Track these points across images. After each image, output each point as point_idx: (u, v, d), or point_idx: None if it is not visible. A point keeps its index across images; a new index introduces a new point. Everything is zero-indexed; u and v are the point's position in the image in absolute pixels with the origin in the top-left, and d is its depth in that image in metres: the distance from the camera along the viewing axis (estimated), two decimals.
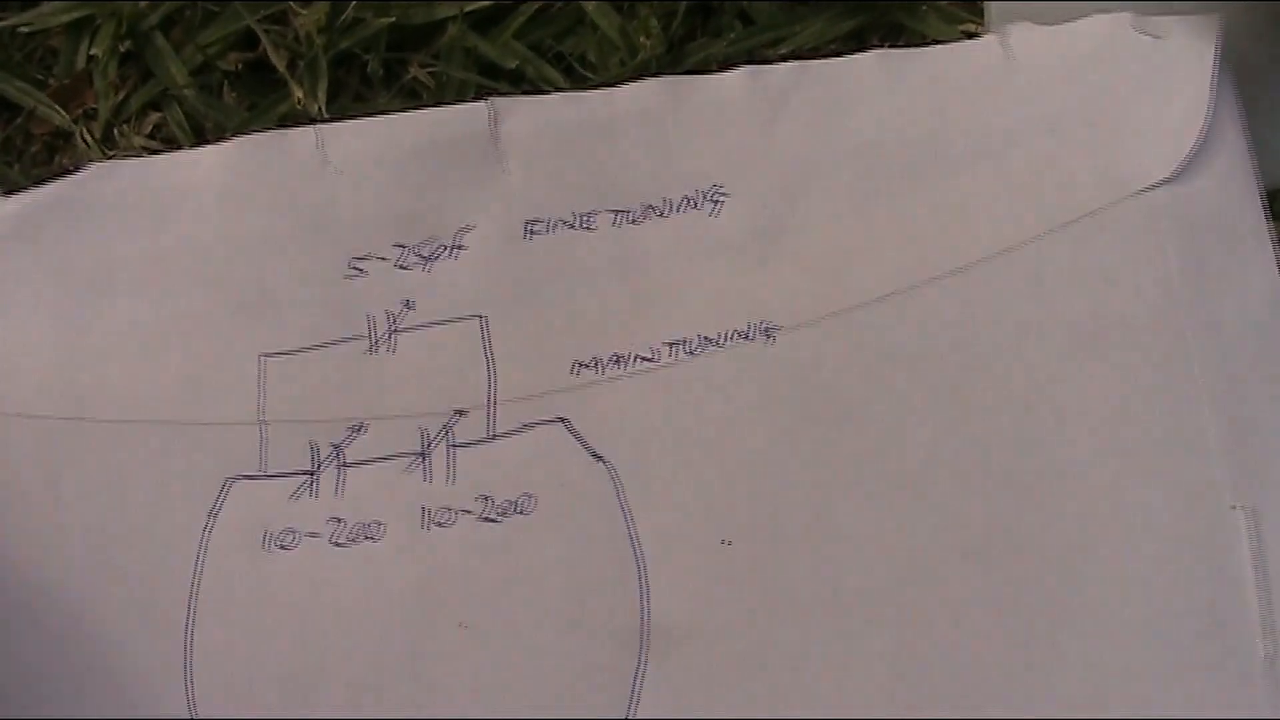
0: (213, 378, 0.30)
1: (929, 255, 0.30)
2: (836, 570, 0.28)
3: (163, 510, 0.29)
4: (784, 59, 0.32)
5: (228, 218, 0.30)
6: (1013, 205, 0.30)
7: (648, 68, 0.32)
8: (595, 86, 0.31)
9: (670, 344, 0.30)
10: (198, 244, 0.30)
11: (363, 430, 0.30)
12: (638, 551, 0.28)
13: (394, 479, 0.29)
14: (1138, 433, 0.28)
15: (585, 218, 0.30)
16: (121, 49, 0.34)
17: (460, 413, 0.30)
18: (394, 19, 0.33)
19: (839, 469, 0.29)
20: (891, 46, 0.31)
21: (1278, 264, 0.29)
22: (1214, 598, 0.27)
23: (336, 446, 0.30)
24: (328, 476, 0.30)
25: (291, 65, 0.34)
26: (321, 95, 0.33)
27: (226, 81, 0.34)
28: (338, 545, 0.29)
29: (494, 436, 0.29)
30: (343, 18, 0.33)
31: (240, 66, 0.34)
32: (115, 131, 0.34)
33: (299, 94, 0.33)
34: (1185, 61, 0.30)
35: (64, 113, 0.34)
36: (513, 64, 0.33)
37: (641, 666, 0.28)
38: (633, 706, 0.28)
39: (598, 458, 0.29)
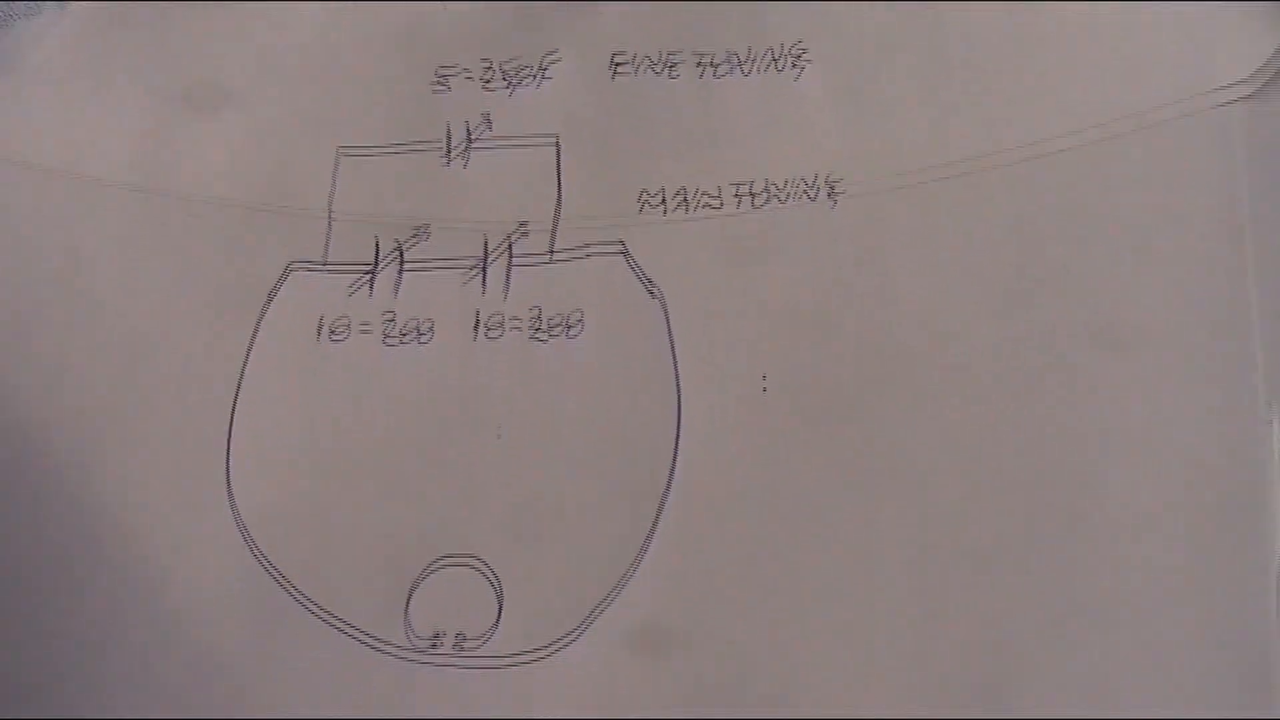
0: (290, 166, 0.31)
1: (1000, 138, 0.30)
2: (868, 427, 0.28)
3: (225, 287, 0.30)
4: None
5: (329, 19, 0.31)
6: (1088, 98, 0.30)
7: None
8: None
9: (736, 191, 0.30)
10: (296, 40, 0.31)
11: (426, 234, 0.30)
12: (678, 382, 0.29)
13: (451, 284, 0.30)
14: (1184, 334, 0.29)
15: (670, 62, 0.31)
16: None
17: (524, 229, 0.30)
18: None
19: (883, 326, 0.29)
20: None
21: None
22: (1240, 502, 0.28)
23: (399, 247, 0.30)
24: (387, 275, 0.30)
25: None
26: None
27: None
28: (388, 341, 0.30)
29: (553, 256, 0.30)
30: None
31: None
32: None
33: None
34: None
35: None
36: None
37: (667, 495, 0.29)
38: (652, 534, 0.29)
39: (651, 289, 0.30)
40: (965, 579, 0.27)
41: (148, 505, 0.29)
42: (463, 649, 0.28)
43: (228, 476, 0.30)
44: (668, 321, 0.30)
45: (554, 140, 0.31)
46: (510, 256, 0.30)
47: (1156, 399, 0.28)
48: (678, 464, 0.29)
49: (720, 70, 0.31)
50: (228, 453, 0.30)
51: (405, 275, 0.30)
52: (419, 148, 0.31)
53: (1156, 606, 0.26)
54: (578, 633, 0.28)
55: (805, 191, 0.30)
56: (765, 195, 0.30)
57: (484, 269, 0.30)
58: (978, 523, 0.28)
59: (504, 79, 0.31)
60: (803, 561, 0.28)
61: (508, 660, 0.28)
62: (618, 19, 0.31)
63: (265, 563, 0.29)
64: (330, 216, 0.31)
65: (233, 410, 0.30)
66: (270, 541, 0.29)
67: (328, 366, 0.30)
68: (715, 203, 0.30)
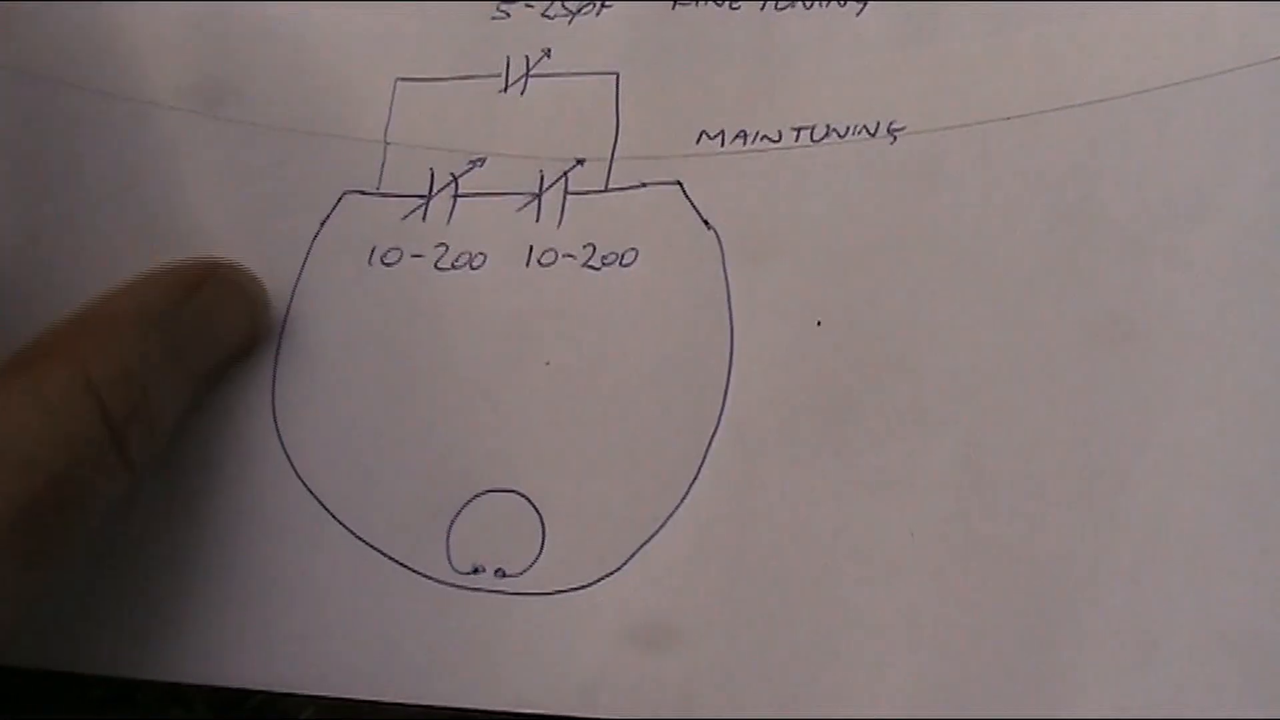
0: (347, 92, 0.31)
1: (1062, 84, 0.29)
2: (919, 368, 0.28)
3: (278, 212, 0.30)
4: None
5: None
6: (1154, 50, 0.29)
7: None
8: None
9: (796, 128, 0.30)
10: None
11: (482, 164, 0.30)
12: (731, 320, 0.29)
13: (505, 214, 0.30)
14: (1238, 293, 0.28)
15: None
16: None
17: (580, 162, 0.30)
18: None
19: (939, 270, 0.29)
20: None
21: None
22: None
23: (454, 176, 0.30)
24: (440, 203, 0.30)
25: None
26: None
27: None
28: (439, 269, 0.30)
29: (609, 189, 0.30)
30: None
31: None
32: None
33: None
34: None
35: None
36: None
37: (716, 431, 0.28)
38: (700, 470, 0.28)
39: (707, 225, 0.30)
40: (1011, 531, 0.27)
41: (192, 423, 0.29)
42: (503, 580, 0.28)
43: (273, 399, 0.30)
44: (723, 256, 0.29)
45: (613, 73, 0.31)
46: (565, 188, 0.30)
47: (1208, 362, 0.27)
48: (728, 400, 0.28)
49: (781, 2, 0.31)
50: (274, 376, 0.30)
51: (459, 204, 0.30)
52: (477, 79, 0.31)
53: (1183, 600, 0.26)
54: (621, 568, 0.28)
55: (864, 128, 0.30)
56: (824, 130, 0.30)
57: (539, 200, 0.30)
58: (1027, 468, 0.27)
59: (565, 9, 0.31)
60: (850, 505, 0.27)
61: (548, 593, 0.28)
62: None
63: (307, 485, 0.29)
64: (386, 145, 0.31)
65: (280, 332, 0.30)
66: (313, 465, 0.29)
67: (378, 292, 0.30)
68: (774, 137, 0.30)
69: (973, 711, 0.26)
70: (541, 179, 0.30)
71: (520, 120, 0.31)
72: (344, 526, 0.29)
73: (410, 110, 0.31)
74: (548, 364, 0.29)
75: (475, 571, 0.28)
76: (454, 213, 0.30)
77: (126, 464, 0.25)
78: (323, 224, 0.30)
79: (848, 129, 0.30)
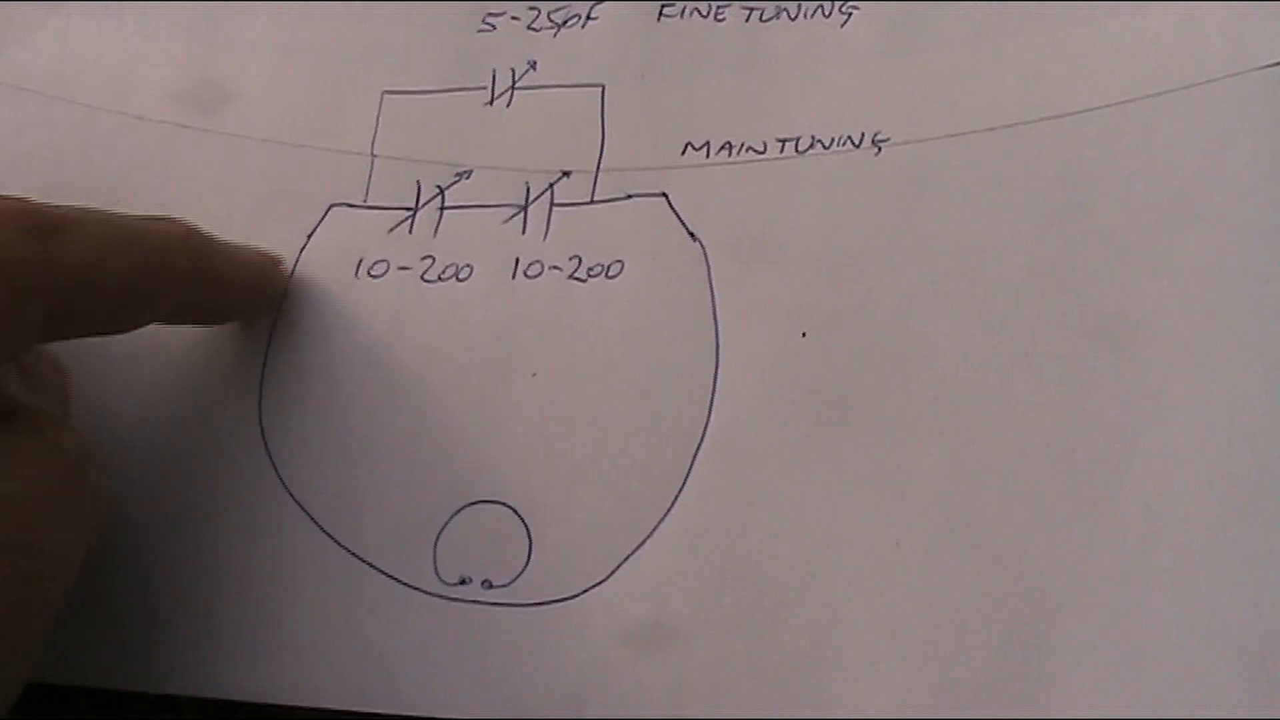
0: (334, 106, 0.31)
1: (1048, 94, 0.30)
2: (906, 377, 0.28)
3: (266, 224, 0.30)
4: None
5: None
6: (1139, 59, 0.30)
7: None
8: None
9: (781, 140, 0.30)
10: None
11: (468, 176, 0.30)
12: (717, 330, 0.29)
13: (491, 227, 0.30)
14: (1225, 299, 0.28)
15: (718, 9, 0.31)
16: None
17: (566, 174, 0.30)
18: None
19: (925, 280, 0.29)
20: None
21: None
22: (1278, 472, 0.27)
23: (440, 188, 0.30)
24: (427, 216, 0.30)
25: None
26: None
27: None
28: (426, 281, 0.30)
29: (595, 201, 0.30)
30: None
31: None
32: None
33: None
34: None
35: None
36: None
37: (702, 442, 0.28)
38: (686, 481, 0.28)
39: (693, 236, 0.30)
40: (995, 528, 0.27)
41: (180, 437, 0.29)
42: (490, 591, 0.28)
43: (260, 411, 0.30)
44: (708, 267, 0.29)
45: (598, 85, 0.31)
46: (551, 200, 0.30)
47: (1196, 368, 0.27)
48: (714, 411, 0.28)
49: (766, 14, 0.31)
50: (261, 388, 0.30)
51: (445, 217, 0.30)
52: (463, 91, 0.31)
53: (1171, 604, 0.26)
54: (608, 578, 0.28)
55: (849, 139, 0.30)
56: (809, 141, 0.30)
57: (525, 212, 0.30)
58: (1015, 475, 0.27)
59: (551, 22, 0.31)
60: (837, 512, 0.27)
61: (535, 603, 0.28)
62: None
63: (294, 497, 0.29)
64: (372, 157, 0.31)
65: (268, 345, 0.30)
66: (300, 477, 0.29)
67: (365, 304, 0.30)
68: (759, 148, 0.30)
69: (961, 714, 0.26)
70: (528, 191, 0.30)
71: (506, 132, 0.31)
72: (331, 538, 0.29)
73: (397, 123, 0.31)
74: (534, 375, 0.29)
75: (463, 583, 0.28)
76: (440, 225, 0.30)
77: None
78: (310, 236, 0.31)
79: (833, 140, 0.30)
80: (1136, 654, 0.25)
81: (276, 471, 0.29)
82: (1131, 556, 0.26)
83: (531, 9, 0.31)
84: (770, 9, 0.31)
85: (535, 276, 0.30)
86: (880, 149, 0.30)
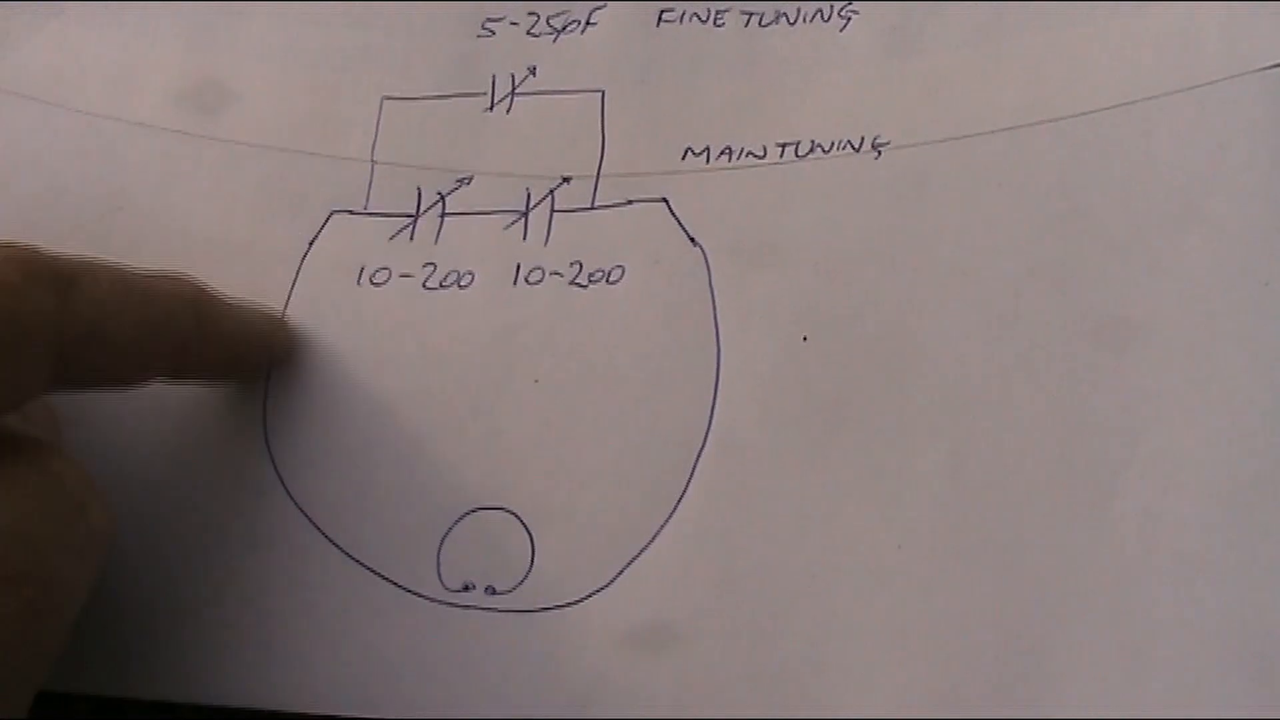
0: (333, 112, 0.31)
1: (1048, 97, 0.30)
2: (906, 381, 0.28)
3: (266, 232, 0.30)
4: None
5: None
6: (1138, 61, 0.30)
7: None
8: None
9: (781, 144, 0.30)
10: None
11: (469, 182, 0.30)
12: (718, 335, 0.29)
13: (492, 233, 0.30)
14: (1225, 300, 0.28)
15: (717, 14, 0.31)
16: None
17: (566, 179, 0.30)
18: None
19: (925, 284, 0.29)
20: None
21: None
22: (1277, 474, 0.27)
23: (441, 195, 0.30)
24: (428, 222, 0.30)
25: None
26: None
27: None
28: (428, 288, 0.30)
29: (595, 206, 0.30)
30: None
31: None
32: None
33: None
34: None
35: None
36: None
37: (704, 447, 0.28)
38: (688, 486, 0.28)
39: (693, 241, 0.30)
40: (995, 534, 0.27)
41: (184, 445, 0.29)
42: (493, 597, 0.28)
43: (264, 419, 0.30)
44: (709, 272, 0.29)
45: (598, 91, 0.31)
46: (552, 206, 0.30)
47: (1196, 369, 0.27)
48: (715, 415, 0.28)
49: (765, 18, 0.31)
50: (265, 396, 0.30)
51: (446, 223, 0.30)
52: (463, 97, 0.31)
53: (1171, 605, 0.26)
54: (611, 583, 0.28)
55: (849, 143, 0.30)
56: (809, 146, 0.30)
57: (526, 218, 0.30)
58: (1015, 477, 0.27)
59: (550, 27, 0.31)
60: (838, 516, 0.27)
61: (538, 609, 0.28)
62: None
63: (298, 504, 0.29)
64: (373, 164, 0.31)
65: None
66: (304, 484, 0.29)
67: (367, 311, 0.30)
68: (759, 153, 0.30)
69: (962, 716, 0.26)
70: (528, 197, 0.30)
71: (506, 138, 0.31)
72: (335, 545, 0.29)
73: (397, 129, 0.31)
74: (536, 381, 0.29)
75: (466, 589, 0.28)
76: (441, 231, 0.30)
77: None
78: (311, 244, 0.31)
79: (832, 144, 0.30)
80: (1136, 655, 0.25)
81: (280, 478, 0.29)
82: (1131, 558, 0.26)
83: (531, 14, 0.31)
84: (769, 13, 0.31)
85: (536, 282, 0.30)
86: (880, 152, 0.30)
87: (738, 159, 0.30)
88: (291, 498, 0.29)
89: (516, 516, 0.28)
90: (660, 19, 0.31)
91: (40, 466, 0.23)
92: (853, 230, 0.29)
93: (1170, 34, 0.30)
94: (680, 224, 0.30)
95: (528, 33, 0.31)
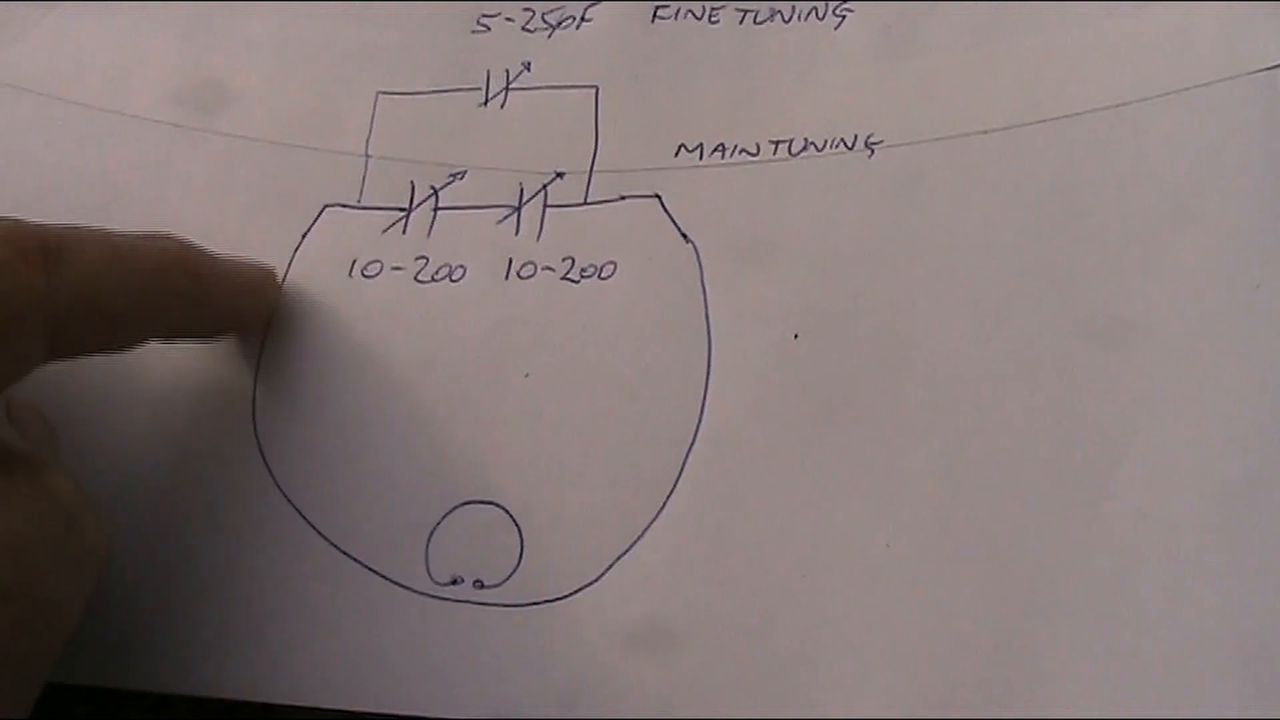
0: (328, 106, 0.31)
1: (1042, 97, 0.30)
2: (898, 379, 0.28)
3: (260, 225, 0.31)
4: None
5: None
6: (1133, 62, 0.30)
7: None
8: None
9: (774, 142, 0.30)
10: None
11: (462, 177, 0.31)
12: (709, 331, 0.29)
13: (484, 227, 0.30)
14: (1218, 301, 0.28)
15: (712, 10, 0.31)
16: None
17: (559, 175, 0.30)
18: None
19: (917, 282, 0.29)
20: None
21: None
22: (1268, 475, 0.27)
23: (434, 189, 0.31)
24: (421, 216, 0.30)
25: None
26: None
27: None
28: (420, 281, 0.30)
29: (588, 202, 0.30)
30: None
31: None
32: None
33: None
34: None
35: None
36: None
37: (694, 443, 0.28)
38: (678, 482, 0.28)
39: (686, 238, 0.30)
40: (986, 534, 0.27)
41: (174, 437, 0.29)
42: (481, 591, 0.28)
43: (254, 411, 0.30)
44: (701, 268, 0.29)
45: (593, 87, 0.31)
46: (545, 201, 0.30)
47: (1189, 369, 0.27)
48: (706, 411, 0.28)
49: (760, 16, 0.31)
50: (255, 387, 0.30)
51: (439, 217, 0.30)
52: (458, 92, 0.31)
53: (1162, 605, 0.26)
54: (599, 578, 0.28)
55: (842, 141, 0.30)
56: (802, 144, 0.30)
57: (519, 212, 0.30)
58: (1007, 477, 0.27)
59: (545, 23, 0.31)
60: (828, 514, 0.27)
61: (526, 603, 0.28)
62: None
63: (287, 496, 0.29)
64: (367, 158, 0.31)
65: (261, 345, 0.30)
66: (293, 477, 0.29)
67: (359, 304, 0.30)
68: (752, 150, 0.30)
69: (952, 715, 0.26)
70: (521, 192, 0.30)
71: (500, 133, 0.31)
72: (324, 538, 0.29)
73: (391, 123, 0.31)
74: (527, 376, 0.29)
75: (454, 582, 0.28)
76: (434, 225, 0.30)
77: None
78: (304, 236, 0.31)
79: (826, 142, 0.30)
80: (1126, 655, 0.25)
81: (270, 471, 0.29)
82: (1122, 558, 0.26)
83: (526, 10, 0.31)
84: (764, 11, 0.31)
85: (528, 277, 0.30)
86: (873, 151, 0.30)
87: (731, 156, 0.30)
88: (280, 490, 0.29)
89: (506, 510, 0.28)
90: (655, 15, 0.31)
91: (34, 482, 0.23)
92: (845, 229, 0.29)
93: (1164, 36, 0.30)
94: (673, 220, 0.30)
95: (523, 28, 0.31)
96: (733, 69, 0.31)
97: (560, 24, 0.31)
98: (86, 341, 0.25)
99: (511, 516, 0.28)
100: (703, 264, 0.29)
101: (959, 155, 0.29)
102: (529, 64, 0.31)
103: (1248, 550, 0.26)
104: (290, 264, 0.30)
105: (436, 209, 0.30)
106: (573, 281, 0.30)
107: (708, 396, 0.29)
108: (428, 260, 0.30)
